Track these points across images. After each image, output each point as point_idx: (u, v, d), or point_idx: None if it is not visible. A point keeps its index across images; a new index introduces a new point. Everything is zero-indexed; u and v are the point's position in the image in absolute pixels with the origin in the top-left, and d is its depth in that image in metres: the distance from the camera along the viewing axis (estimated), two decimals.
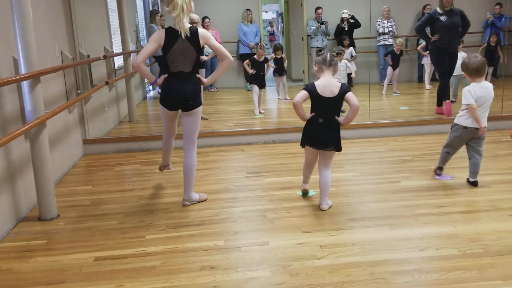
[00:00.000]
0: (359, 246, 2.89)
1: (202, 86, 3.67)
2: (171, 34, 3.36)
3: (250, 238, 3.07)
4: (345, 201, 3.64)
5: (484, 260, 2.66)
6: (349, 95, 3.29)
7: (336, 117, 3.36)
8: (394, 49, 8.50)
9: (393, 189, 3.89)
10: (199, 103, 3.53)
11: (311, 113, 3.40)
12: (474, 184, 3.87)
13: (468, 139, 3.86)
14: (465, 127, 3.80)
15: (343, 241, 2.96)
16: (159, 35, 3.39)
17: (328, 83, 3.30)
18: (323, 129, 3.35)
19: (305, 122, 3.45)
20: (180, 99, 3.46)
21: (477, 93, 3.74)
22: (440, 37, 6.03)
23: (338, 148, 3.40)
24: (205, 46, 3.48)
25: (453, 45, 6.08)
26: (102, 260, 2.84)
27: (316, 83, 3.33)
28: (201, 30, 3.42)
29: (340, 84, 3.31)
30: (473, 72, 3.75)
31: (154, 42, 3.39)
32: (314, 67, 3.47)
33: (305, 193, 3.76)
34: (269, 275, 2.58)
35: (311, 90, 3.31)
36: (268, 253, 2.84)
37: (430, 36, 6.24)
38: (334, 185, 3.70)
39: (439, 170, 4.10)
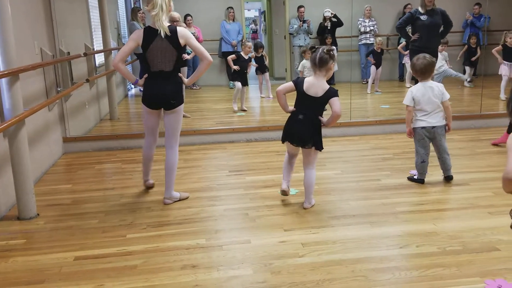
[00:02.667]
0: (340, 244, 2.91)
1: (183, 85, 3.66)
2: (150, 33, 3.35)
3: (232, 236, 3.07)
4: (327, 199, 3.66)
5: (463, 257, 2.70)
6: (334, 100, 3.26)
7: (318, 116, 3.36)
8: (375, 48, 8.57)
9: (374, 187, 3.93)
10: (180, 102, 3.52)
11: (294, 107, 3.39)
12: (448, 179, 3.94)
13: (431, 137, 3.87)
14: (422, 127, 3.84)
15: (324, 239, 2.98)
16: (137, 34, 3.38)
17: (316, 83, 3.27)
18: (301, 125, 3.32)
19: (287, 117, 3.44)
20: (161, 98, 3.45)
21: (420, 92, 3.80)
22: (420, 36, 6.08)
23: (318, 147, 3.37)
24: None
25: (432, 45, 6.10)
26: (82, 259, 2.81)
27: (306, 79, 3.31)
28: (180, 29, 3.40)
29: (327, 88, 3.26)
30: (418, 72, 3.85)
31: (131, 41, 3.39)
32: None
33: (284, 194, 3.59)
34: (251, 274, 2.58)
35: (298, 84, 3.30)
36: (250, 251, 2.85)
37: (410, 35, 6.29)
38: (315, 183, 3.70)
39: (419, 181, 3.96)
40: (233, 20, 9.57)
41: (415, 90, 3.83)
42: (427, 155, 3.92)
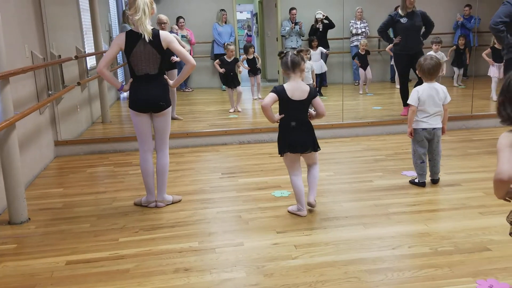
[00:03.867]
0: (333, 245, 2.91)
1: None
2: (132, 37, 3.32)
3: (225, 239, 3.07)
4: (319, 201, 3.66)
5: (455, 257, 2.71)
6: (317, 100, 3.28)
7: (308, 119, 3.35)
8: (359, 50, 8.64)
9: (366, 188, 3.94)
10: (169, 104, 3.51)
11: (280, 114, 3.34)
12: (434, 181, 3.95)
13: (430, 139, 3.86)
14: (423, 129, 3.81)
15: (317, 241, 2.98)
16: (119, 39, 3.35)
17: (297, 86, 3.25)
18: (298, 132, 3.29)
19: (278, 127, 3.36)
20: (150, 101, 3.43)
21: (426, 92, 3.77)
22: (401, 38, 6.10)
23: (316, 148, 3.37)
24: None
25: (414, 46, 6.06)
26: (74, 264, 2.80)
27: (285, 86, 3.27)
28: (163, 33, 3.38)
29: (308, 88, 3.27)
30: (425, 73, 3.81)
31: (114, 46, 3.36)
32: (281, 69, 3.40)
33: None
34: (244, 276, 2.58)
35: (281, 93, 3.24)
36: (243, 254, 2.84)
37: (393, 38, 6.32)
38: (307, 185, 3.70)
39: (421, 185, 3.93)
40: (225, 23, 9.58)
41: (421, 90, 3.79)
42: (426, 156, 3.90)
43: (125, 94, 9.47)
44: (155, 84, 3.42)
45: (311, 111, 3.36)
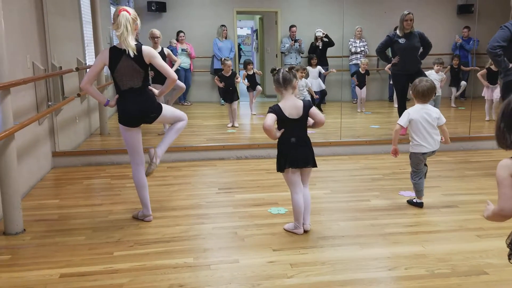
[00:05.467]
0: (329, 265, 2.90)
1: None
2: (115, 53, 3.32)
3: (220, 256, 3.05)
4: (316, 219, 3.65)
5: (452, 280, 2.70)
6: (313, 110, 3.29)
7: (306, 134, 3.35)
8: (360, 69, 8.68)
9: (363, 207, 3.93)
10: (160, 110, 3.52)
11: (278, 129, 3.31)
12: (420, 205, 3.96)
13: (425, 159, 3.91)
14: (423, 153, 3.82)
15: (313, 260, 2.96)
16: (103, 55, 3.36)
17: (292, 104, 3.25)
18: (298, 147, 3.28)
19: (278, 145, 3.34)
20: (140, 115, 3.45)
21: (418, 113, 3.77)
22: (399, 59, 6.14)
23: (315, 164, 3.37)
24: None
25: (412, 67, 6.09)
26: (68, 276, 2.77)
27: (281, 105, 3.25)
28: (145, 48, 3.38)
29: (301, 104, 3.26)
30: (419, 95, 3.81)
31: (98, 62, 3.38)
32: (273, 87, 3.40)
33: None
34: None
35: (279, 113, 3.23)
36: (238, 271, 2.82)
37: (391, 58, 6.38)
38: None
39: (419, 205, 3.93)
40: (226, 38, 9.65)
41: (412, 112, 3.79)
42: (422, 173, 3.92)
43: None
44: (141, 97, 3.43)
45: (310, 119, 3.35)
